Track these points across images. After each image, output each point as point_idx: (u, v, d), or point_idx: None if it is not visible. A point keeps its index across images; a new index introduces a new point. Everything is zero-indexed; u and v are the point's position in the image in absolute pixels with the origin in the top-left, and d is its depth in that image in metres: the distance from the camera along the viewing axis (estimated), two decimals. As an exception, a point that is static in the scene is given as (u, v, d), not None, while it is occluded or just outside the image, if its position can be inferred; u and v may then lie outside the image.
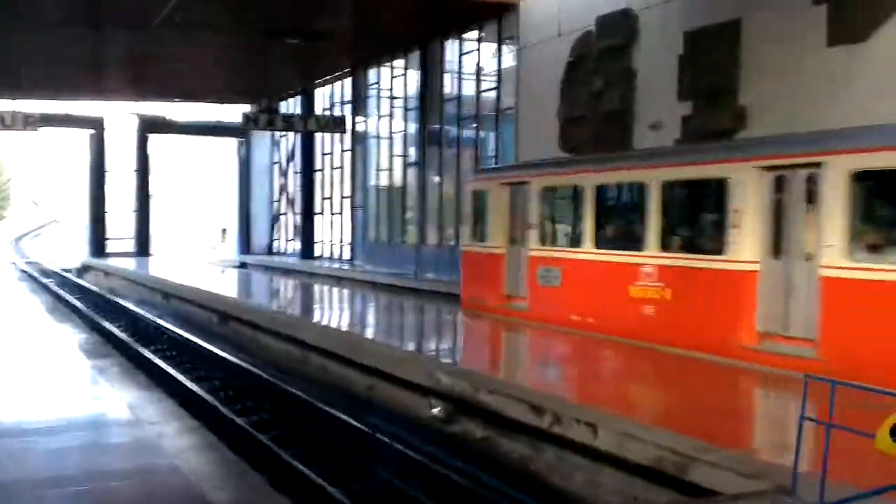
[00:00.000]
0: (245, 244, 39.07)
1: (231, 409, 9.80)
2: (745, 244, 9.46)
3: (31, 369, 9.18)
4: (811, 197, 9.10)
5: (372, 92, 29.16)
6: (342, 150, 31.54)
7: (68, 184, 71.99)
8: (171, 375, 11.18)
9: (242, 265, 35.67)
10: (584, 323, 12.27)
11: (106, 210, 36.98)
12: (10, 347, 10.81)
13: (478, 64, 22.85)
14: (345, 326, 14.36)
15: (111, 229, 37.46)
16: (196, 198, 63.12)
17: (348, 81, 30.54)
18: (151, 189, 37.74)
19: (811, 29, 12.44)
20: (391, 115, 28.03)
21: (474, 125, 23.30)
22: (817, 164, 8.93)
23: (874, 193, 8.93)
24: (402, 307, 17.12)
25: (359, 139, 29.88)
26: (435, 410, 8.74)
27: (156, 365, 12.11)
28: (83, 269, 33.66)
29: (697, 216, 11.53)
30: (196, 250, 45.56)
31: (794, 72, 12.76)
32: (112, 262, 31.66)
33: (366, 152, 29.73)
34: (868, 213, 8.90)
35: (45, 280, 28.27)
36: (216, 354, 12.97)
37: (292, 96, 33.93)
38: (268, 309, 15.85)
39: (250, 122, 20.59)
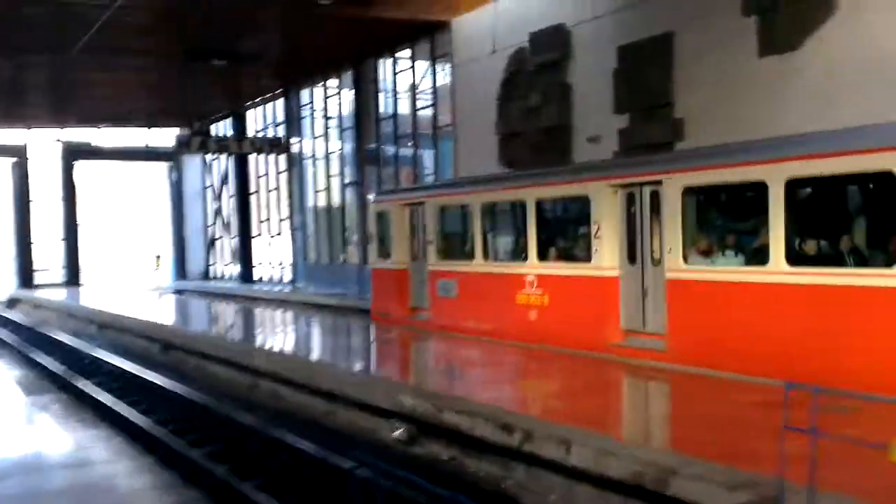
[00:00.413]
0: (180, 270, 38.25)
1: (182, 442, 9.49)
2: (606, 253, 10.68)
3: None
4: (656, 209, 10.37)
5: (305, 112, 28.94)
6: (278, 172, 31.19)
7: (-11, 214, 69.38)
8: (117, 411, 10.76)
9: (179, 291, 34.83)
10: (479, 329, 13.40)
11: (32, 240, 35.74)
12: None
13: (412, 82, 22.88)
14: (294, 351, 14.11)
15: (39, 259, 36.19)
16: (127, 224, 61.50)
17: (280, 102, 30.25)
18: (80, 217, 36.63)
19: (742, 40, 12.81)
20: (326, 136, 27.85)
21: (411, 143, 23.30)
22: (658, 182, 10.28)
23: (703, 206, 10.50)
24: (349, 328, 16.91)
25: (294, 160, 29.57)
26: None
27: (100, 400, 11.64)
28: (11, 302, 32.38)
29: (568, 229, 12.74)
30: (129, 278, 44.31)
31: (729, 82, 13.11)
32: (41, 294, 30.58)
33: (302, 173, 29.45)
34: (699, 224, 10.31)
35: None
36: (161, 386, 12.57)
37: (223, 119, 33.45)
38: (213, 336, 15.47)
39: (182, 146, 20.13)
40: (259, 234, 32.83)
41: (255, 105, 32.09)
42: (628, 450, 6.27)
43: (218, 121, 33.30)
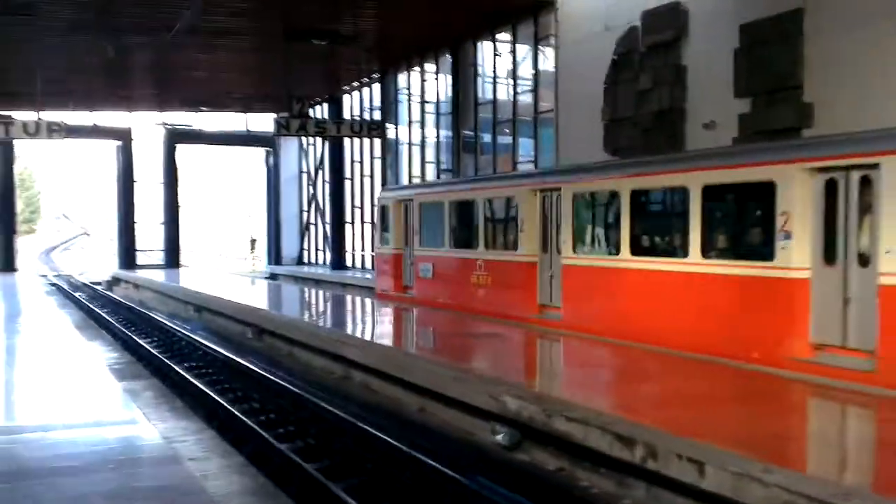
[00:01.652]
0: (275, 254, 38.56)
1: (273, 434, 9.11)
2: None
3: (57, 396, 8.52)
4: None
5: (402, 97, 28.49)
6: (372, 158, 30.91)
7: (97, 196, 72.23)
8: (210, 400, 10.50)
9: (272, 276, 35.13)
10: (446, 304, 16.73)
11: (135, 221, 36.68)
12: (34, 371, 10.20)
13: (513, 65, 22.11)
14: (386, 341, 13.66)
15: (140, 241, 37.13)
16: (225, 207, 62.96)
17: (377, 87, 29.92)
18: (180, 200, 37.39)
19: (882, 17, 11.58)
20: (423, 121, 27.33)
21: (508, 131, 22.55)
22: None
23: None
24: (441, 318, 16.35)
25: (390, 146, 29.23)
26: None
27: (193, 388, 11.45)
28: (113, 282, 33.29)
29: (504, 225, 15.49)
30: (226, 261, 45.19)
31: (866, 63, 11.89)
32: (142, 275, 31.26)
33: (397, 159, 29.07)
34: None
35: (74, 293, 27.90)
36: (254, 373, 12.31)
37: (320, 103, 33.42)
38: (305, 323, 15.19)
39: (282, 128, 19.92)
40: (352, 221, 32.70)
41: (351, 90, 31.89)
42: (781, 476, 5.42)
43: (315, 105, 33.28)
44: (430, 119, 27.02)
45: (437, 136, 26.53)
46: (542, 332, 13.44)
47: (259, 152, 39.83)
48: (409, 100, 27.99)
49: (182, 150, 37.17)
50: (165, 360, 13.87)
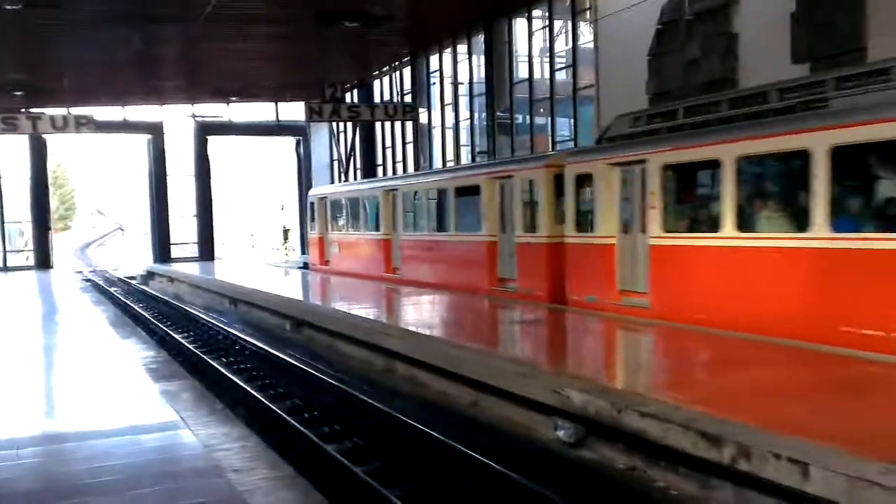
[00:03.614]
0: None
1: (318, 433, 8.61)
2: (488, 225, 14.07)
3: (93, 399, 8.08)
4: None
5: (434, 79, 27.83)
6: (404, 143, 30.35)
7: (131, 191, 72.57)
8: (252, 400, 10.03)
9: (306, 265, 34.77)
10: (424, 283, 18.84)
11: (168, 215, 36.52)
12: (69, 372, 9.79)
13: (549, 42, 21.35)
14: (434, 332, 13.09)
15: (174, 234, 36.99)
16: (257, 198, 62.85)
17: (407, 71, 29.30)
18: (212, 192, 37.15)
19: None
20: (456, 104, 26.67)
21: (542, 110, 21.83)
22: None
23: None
24: (486, 307, 15.76)
25: (422, 130, 28.62)
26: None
27: (234, 387, 11.00)
28: (148, 276, 33.16)
29: (466, 212, 17.47)
30: (259, 252, 45.00)
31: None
32: (176, 268, 31.05)
33: (430, 144, 28.46)
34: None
35: (109, 289, 27.74)
36: (295, 367, 11.85)
37: (350, 90, 32.88)
38: (343, 313, 14.69)
39: (314, 114, 19.42)
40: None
41: (381, 74, 31.31)
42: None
43: (345, 92, 32.72)
44: (464, 101, 26.35)
45: (471, 119, 25.87)
46: (624, 321, 11.89)
47: (290, 142, 39.46)
48: (441, 82, 27.33)
49: (213, 142, 36.88)
50: (204, 358, 13.47)
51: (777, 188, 10.90)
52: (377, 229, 21.61)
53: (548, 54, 21.54)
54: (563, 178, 13.97)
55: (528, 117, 22.77)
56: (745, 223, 10.36)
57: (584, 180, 13.55)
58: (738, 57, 14.70)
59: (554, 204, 14.39)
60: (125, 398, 8.24)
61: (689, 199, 12.06)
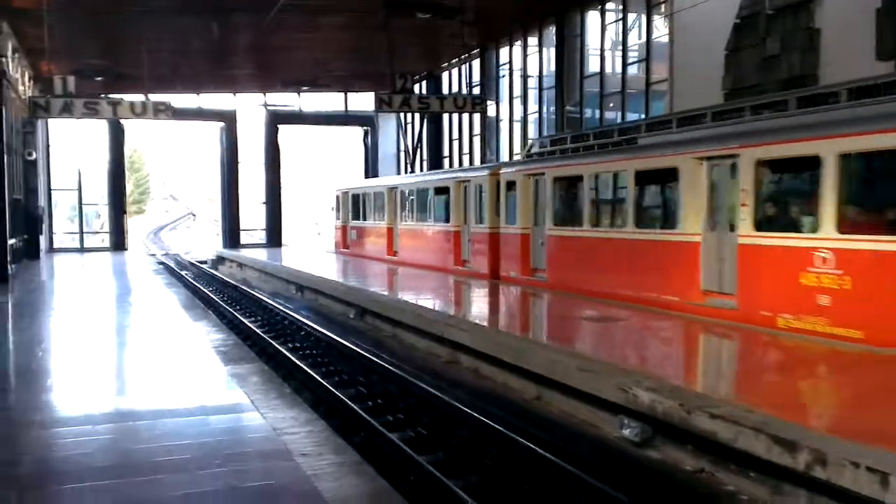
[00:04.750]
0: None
1: (382, 422, 8.67)
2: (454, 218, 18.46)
3: (166, 379, 8.28)
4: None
5: (503, 72, 27.70)
6: (471, 136, 30.31)
7: (203, 177, 74.22)
8: (318, 386, 10.15)
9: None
10: (419, 264, 22.77)
11: (239, 202, 37.24)
12: (144, 351, 10.06)
13: (623, 35, 21.03)
14: (502, 325, 13.06)
15: (243, 220, 37.72)
16: (324, 187, 63.54)
17: (476, 63, 29.23)
18: (281, 180, 37.73)
19: None
20: (525, 97, 26.51)
21: (612, 105, 21.53)
22: None
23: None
24: (549, 300, 15.68)
25: (489, 123, 28.54)
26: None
27: (300, 374, 11.15)
28: (217, 261, 33.88)
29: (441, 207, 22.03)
30: (325, 239, 45.45)
31: None
32: (245, 254, 31.66)
33: (498, 136, 28.36)
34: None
35: (181, 272, 28.43)
36: (361, 356, 11.95)
37: (419, 81, 32.96)
38: (407, 303, 14.76)
39: (384, 104, 19.48)
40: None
41: (450, 66, 31.33)
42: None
43: (414, 83, 32.82)
44: (532, 94, 26.17)
45: (540, 112, 25.69)
46: (705, 322, 11.62)
47: (357, 132, 39.80)
48: (510, 75, 27.19)
49: (283, 131, 37.44)
50: (271, 342, 13.70)
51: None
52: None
53: (620, 48, 21.22)
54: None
55: (597, 111, 22.49)
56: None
57: (511, 185, 18.04)
58: (819, 53, 14.27)
59: (495, 202, 18.75)
60: (196, 379, 8.43)
61: (572, 200, 16.23)
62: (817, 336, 9.88)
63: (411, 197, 24.51)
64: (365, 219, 28.44)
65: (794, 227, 10.58)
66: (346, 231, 30.55)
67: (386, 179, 29.35)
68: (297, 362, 11.85)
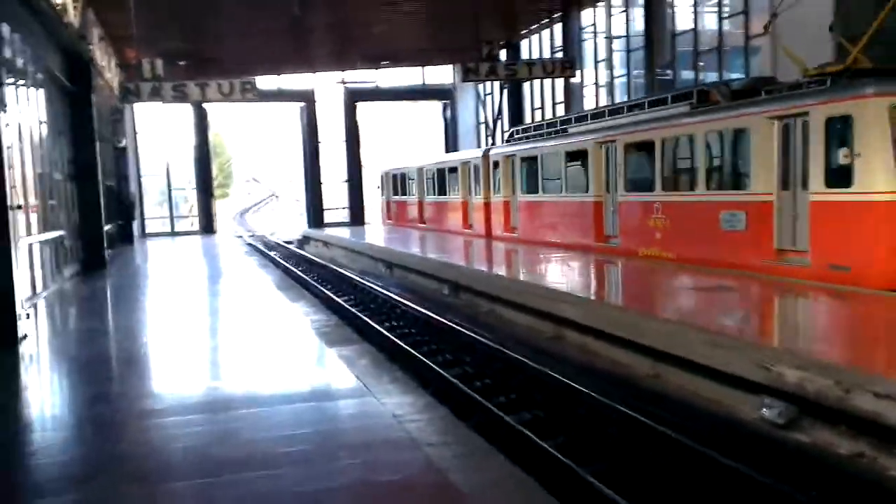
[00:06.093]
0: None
1: (496, 403, 8.29)
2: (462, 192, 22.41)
3: (270, 365, 8.04)
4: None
5: (586, 35, 26.76)
6: (554, 104, 29.49)
7: (283, 158, 75.10)
8: (434, 373, 9.82)
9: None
10: (439, 228, 27.34)
11: (321, 181, 37.35)
12: (245, 336, 9.89)
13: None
14: (613, 299, 12.48)
15: (327, 199, 37.86)
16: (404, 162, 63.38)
17: (557, 29, 28.34)
18: (362, 157, 37.68)
19: None
20: (610, 61, 25.56)
21: (703, 64, 20.46)
22: None
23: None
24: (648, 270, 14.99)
25: (573, 90, 27.67)
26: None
27: (406, 355, 10.86)
28: (303, 241, 34.10)
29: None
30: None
31: None
32: (330, 233, 31.72)
33: (582, 104, 27.49)
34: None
35: (269, 252, 28.65)
36: (461, 334, 11.60)
37: (498, 50, 32.24)
38: (503, 278, 14.31)
39: (470, 73, 18.97)
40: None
41: (530, 33, 30.51)
42: None
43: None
44: (618, 57, 25.21)
45: (628, 76, 24.73)
46: (785, 282, 11.54)
47: (436, 106, 39.37)
48: (594, 38, 26.25)
49: (361, 108, 37.30)
50: (368, 322, 13.47)
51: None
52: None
53: (714, 1, 20.12)
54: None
55: (691, 72, 21.45)
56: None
57: (496, 165, 22.22)
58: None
59: (488, 179, 23.15)
60: (304, 363, 8.18)
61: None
62: None
63: (428, 176, 27.16)
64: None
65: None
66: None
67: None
68: (399, 342, 11.57)
